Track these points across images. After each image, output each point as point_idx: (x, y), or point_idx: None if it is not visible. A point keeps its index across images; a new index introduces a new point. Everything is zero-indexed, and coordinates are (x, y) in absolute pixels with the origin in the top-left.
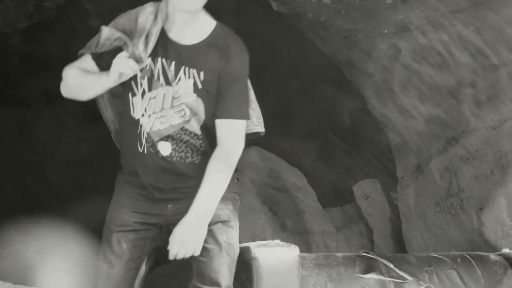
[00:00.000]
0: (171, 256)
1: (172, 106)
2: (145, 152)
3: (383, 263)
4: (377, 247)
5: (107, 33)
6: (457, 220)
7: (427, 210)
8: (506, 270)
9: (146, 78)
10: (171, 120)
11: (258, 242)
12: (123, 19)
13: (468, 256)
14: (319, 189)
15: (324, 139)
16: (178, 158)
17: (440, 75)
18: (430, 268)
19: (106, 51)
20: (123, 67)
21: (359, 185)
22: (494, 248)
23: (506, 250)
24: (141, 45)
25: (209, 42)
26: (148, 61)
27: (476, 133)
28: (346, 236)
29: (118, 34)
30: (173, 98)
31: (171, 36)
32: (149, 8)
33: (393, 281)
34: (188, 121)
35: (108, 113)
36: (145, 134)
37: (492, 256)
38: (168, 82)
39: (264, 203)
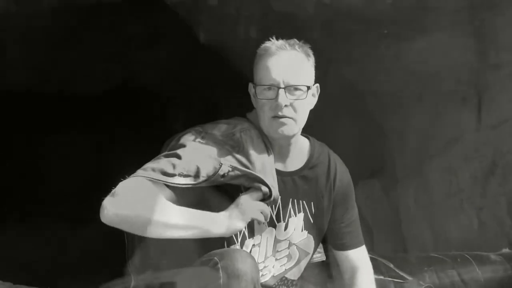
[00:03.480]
0: None
1: (274, 253)
2: None
3: (383, 263)
4: (377, 247)
5: (227, 171)
6: (457, 220)
7: (427, 210)
8: (506, 270)
9: None
10: (272, 271)
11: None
12: (215, 148)
13: (468, 256)
14: None
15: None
16: None
17: (439, 75)
18: (430, 268)
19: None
20: (256, 213)
21: (359, 186)
22: (494, 248)
23: (506, 250)
24: (275, 184)
25: (311, 164)
26: None
27: (476, 133)
28: None
29: (246, 171)
30: (277, 241)
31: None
32: (253, 131)
33: (393, 281)
34: (290, 269)
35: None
36: None
37: (492, 256)
38: (272, 223)
39: None
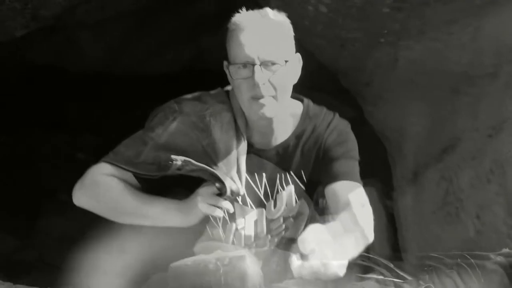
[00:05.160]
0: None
1: (269, 231)
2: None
3: (383, 262)
4: (374, 254)
5: (180, 165)
6: (453, 228)
7: (423, 218)
8: (506, 270)
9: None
10: (269, 244)
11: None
12: (183, 135)
13: (467, 256)
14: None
15: None
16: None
17: (436, 83)
18: (430, 268)
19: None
20: (212, 210)
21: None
22: (494, 249)
23: (506, 250)
24: (235, 175)
25: (299, 132)
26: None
27: (472, 139)
28: None
29: (200, 165)
30: (270, 221)
31: (255, 142)
32: (224, 115)
33: (393, 281)
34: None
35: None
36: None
37: (492, 256)
38: (260, 203)
39: None
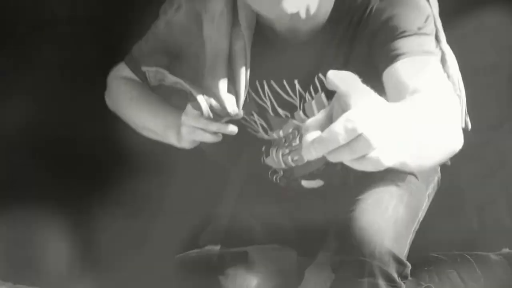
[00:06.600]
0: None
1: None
2: (277, 181)
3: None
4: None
5: (154, 76)
6: (456, 221)
7: (427, 211)
8: (506, 270)
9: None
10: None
11: (256, 246)
12: (183, 30)
13: (468, 256)
14: None
15: None
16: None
17: None
18: (430, 268)
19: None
20: (198, 135)
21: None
22: (494, 249)
23: (506, 250)
24: (222, 87)
25: (335, 14)
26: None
27: (476, 132)
28: None
29: (175, 79)
30: (301, 130)
31: (279, 31)
32: (216, 3)
33: None
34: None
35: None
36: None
37: (492, 256)
38: (290, 113)
39: None
